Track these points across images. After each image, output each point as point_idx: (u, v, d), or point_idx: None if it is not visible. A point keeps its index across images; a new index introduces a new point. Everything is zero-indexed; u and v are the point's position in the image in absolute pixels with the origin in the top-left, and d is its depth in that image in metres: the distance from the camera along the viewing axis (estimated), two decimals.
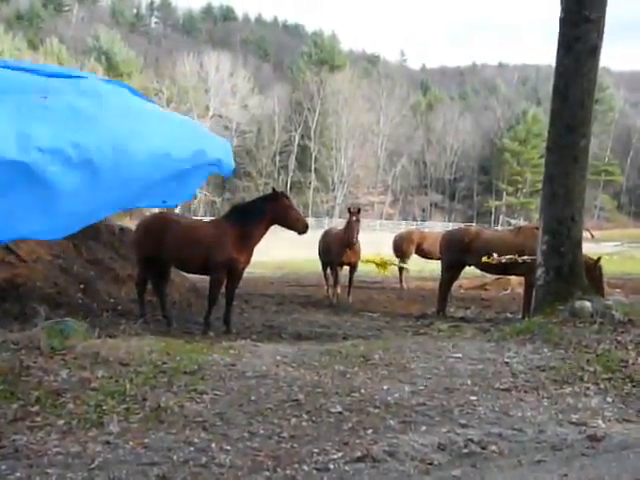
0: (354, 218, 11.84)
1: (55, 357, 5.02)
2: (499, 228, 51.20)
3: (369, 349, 6.20)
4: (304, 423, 4.21)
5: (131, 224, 9.10)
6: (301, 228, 8.35)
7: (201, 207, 66.91)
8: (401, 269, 15.48)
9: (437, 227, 54.60)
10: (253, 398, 4.61)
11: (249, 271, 9.75)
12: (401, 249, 16.06)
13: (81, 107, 4.77)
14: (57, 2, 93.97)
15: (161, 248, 8.29)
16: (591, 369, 5.65)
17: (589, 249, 9.57)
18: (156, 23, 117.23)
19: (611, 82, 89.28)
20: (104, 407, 4.18)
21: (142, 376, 4.80)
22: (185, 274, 10.40)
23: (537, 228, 8.69)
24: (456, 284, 12.03)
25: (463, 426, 4.27)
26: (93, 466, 3.39)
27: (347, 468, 3.55)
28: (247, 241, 8.21)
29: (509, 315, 10.65)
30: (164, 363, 5.16)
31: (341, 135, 73.93)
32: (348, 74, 78.36)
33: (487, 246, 10.04)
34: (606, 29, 7.99)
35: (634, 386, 5.27)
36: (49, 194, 4.61)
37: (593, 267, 9.09)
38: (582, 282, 7.97)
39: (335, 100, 74.52)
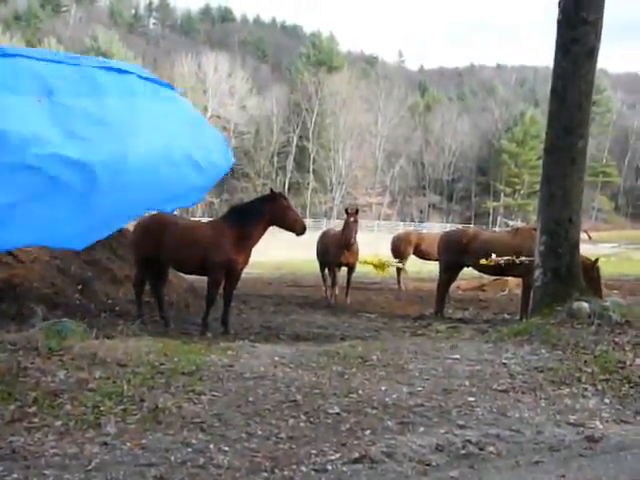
0: (352, 219, 11.84)
1: (52, 358, 5.02)
2: (497, 229, 51.23)
3: (367, 350, 6.20)
4: (302, 424, 4.21)
5: (129, 225, 9.08)
6: (299, 229, 8.35)
7: (199, 208, 66.88)
8: (399, 270, 15.48)
9: (435, 228, 54.67)
10: (251, 399, 4.60)
11: (247, 272, 9.75)
12: (399, 250, 16.05)
13: (120, 110, 4.88)
14: (55, 2, 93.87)
15: (159, 249, 8.29)
16: (589, 370, 5.66)
17: (587, 250, 9.59)
18: (154, 24, 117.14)
19: (609, 84, 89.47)
20: (101, 408, 4.18)
21: (140, 377, 4.79)
22: (183, 275, 10.40)
23: (535, 229, 8.69)
24: (454, 285, 12.03)
25: (461, 427, 4.28)
26: (90, 467, 3.38)
27: (345, 469, 3.55)
28: (245, 242, 8.21)
29: (507, 316, 10.65)
30: (162, 364, 5.15)
31: (339, 136, 73.94)
32: (346, 75, 78.40)
33: (485, 247, 10.04)
34: (604, 31, 8.01)
35: (631, 387, 5.27)
36: (86, 196, 4.69)
37: (591, 268, 9.11)
38: (580, 283, 7.98)
39: (333, 101, 74.55)
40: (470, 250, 10.27)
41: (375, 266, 15.11)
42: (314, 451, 3.75)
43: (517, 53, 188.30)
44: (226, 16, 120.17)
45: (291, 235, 8.52)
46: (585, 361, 5.90)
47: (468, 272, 11.74)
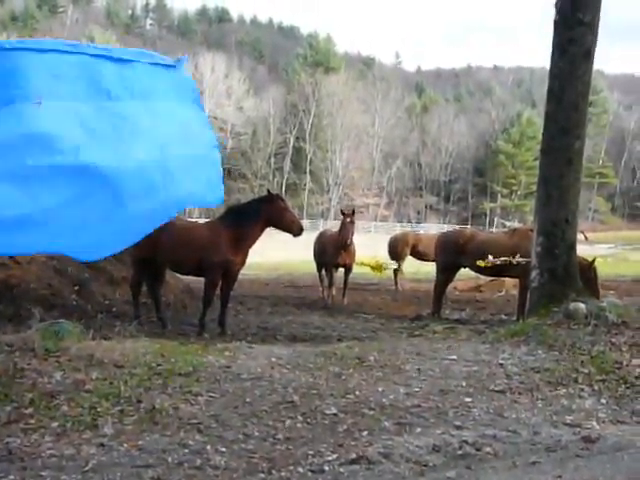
0: (348, 220, 11.85)
1: (49, 359, 5.01)
2: (494, 230, 51.30)
3: (364, 351, 6.19)
4: (299, 425, 4.20)
5: None
6: (296, 230, 8.36)
7: (196, 209, 66.80)
8: (396, 271, 15.50)
9: (432, 229, 54.72)
10: (248, 400, 4.60)
11: (244, 272, 9.75)
12: (396, 251, 16.07)
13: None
14: (52, 3, 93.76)
15: (156, 250, 8.27)
16: (585, 371, 5.67)
17: (583, 251, 9.59)
18: (151, 24, 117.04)
19: (605, 85, 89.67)
20: (98, 409, 4.17)
21: (137, 378, 4.78)
22: (180, 276, 10.39)
23: (531, 230, 8.71)
24: (451, 286, 12.04)
25: (458, 428, 4.28)
26: (87, 468, 3.38)
27: (342, 470, 3.55)
28: (242, 243, 8.21)
29: (504, 317, 10.66)
30: (159, 365, 5.14)
31: (336, 137, 73.97)
32: (343, 76, 78.45)
33: (482, 248, 10.05)
34: (600, 32, 8.03)
35: (628, 388, 5.28)
36: (119, 202, 4.71)
37: (588, 269, 9.12)
38: (576, 284, 7.99)
39: (330, 102, 74.59)
40: (467, 251, 10.28)
41: (372, 267, 15.13)
42: (311, 452, 3.75)
43: (514, 54, 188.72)
44: (223, 17, 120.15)
45: (288, 236, 8.52)
46: (582, 362, 5.90)
47: (465, 273, 11.75)
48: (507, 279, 13.25)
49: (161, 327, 8.40)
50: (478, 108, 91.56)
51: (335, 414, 4.41)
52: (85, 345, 5.40)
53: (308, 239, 12.00)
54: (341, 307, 11.78)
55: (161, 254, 8.35)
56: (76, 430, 3.86)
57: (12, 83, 4.58)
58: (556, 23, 8.09)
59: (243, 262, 8.45)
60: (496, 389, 5.20)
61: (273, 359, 5.69)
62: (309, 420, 4.29)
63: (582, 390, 5.24)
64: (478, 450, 3.90)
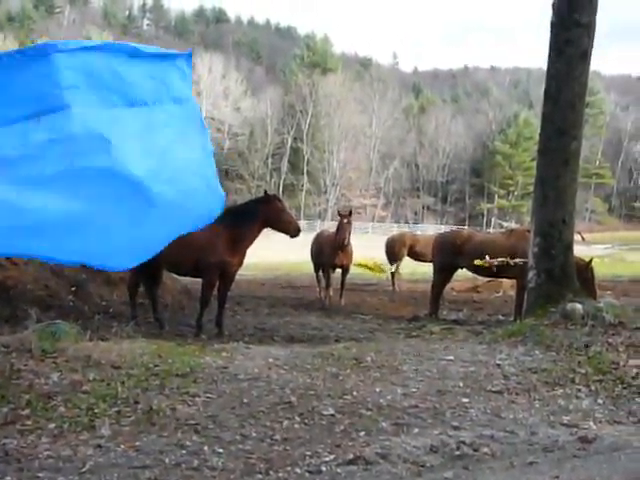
0: (345, 220, 11.86)
1: (46, 360, 5.00)
2: (491, 231, 51.37)
3: (361, 351, 6.20)
4: (296, 426, 4.20)
5: None
6: (293, 231, 8.36)
7: None
8: (393, 273, 15.52)
9: (429, 229, 54.77)
10: (245, 401, 4.60)
11: (241, 273, 9.74)
12: (393, 252, 16.07)
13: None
14: (48, 3, 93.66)
15: None
16: (582, 371, 5.68)
17: (580, 251, 9.62)
18: (148, 25, 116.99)
19: (602, 86, 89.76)
20: (95, 410, 4.16)
21: (134, 379, 4.78)
22: (177, 276, 10.38)
23: (529, 231, 8.72)
24: (448, 286, 12.05)
25: (455, 428, 4.28)
26: (84, 470, 3.37)
27: (339, 470, 3.55)
28: (239, 244, 8.21)
29: (501, 317, 10.68)
30: (156, 366, 5.14)
31: (333, 138, 73.97)
32: (340, 77, 78.43)
33: (479, 249, 10.06)
34: (597, 33, 8.05)
35: (625, 388, 5.29)
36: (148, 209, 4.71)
37: (585, 269, 9.13)
38: (573, 284, 8.01)
39: (327, 103, 74.58)
40: (464, 251, 10.29)
41: (370, 268, 15.14)
42: (308, 452, 3.75)
43: (511, 55, 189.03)
44: (220, 17, 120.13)
45: (285, 237, 8.52)
46: (579, 362, 5.91)
47: (462, 273, 11.76)
48: (504, 280, 13.26)
49: (158, 328, 8.39)
50: (475, 109, 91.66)
51: (332, 415, 4.41)
52: (82, 346, 5.39)
53: (305, 240, 12.00)
54: (338, 308, 11.79)
55: (158, 255, 8.32)
56: (73, 431, 3.85)
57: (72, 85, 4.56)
58: (553, 24, 8.12)
59: (240, 263, 8.45)
60: (493, 389, 5.20)
61: (270, 360, 5.69)
62: (306, 421, 4.29)
63: (579, 390, 5.25)
64: (475, 450, 3.90)
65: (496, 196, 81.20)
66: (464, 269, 10.76)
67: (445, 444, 3.96)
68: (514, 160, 79.14)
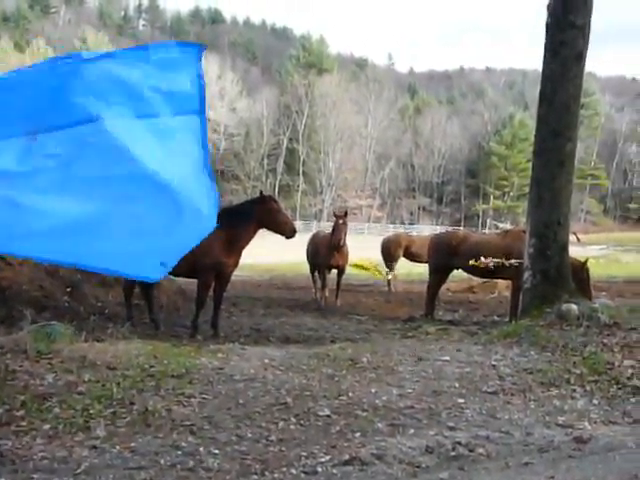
0: (341, 221, 11.86)
1: (41, 361, 4.99)
2: (486, 231, 51.44)
3: (357, 352, 6.20)
4: (292, 426, 4.20)
5: None
6: (288, 232, 8.36)
7: None
8: (389, 279, 15.53)
9: (425, 230, 54.76)
10: (241, 401, 4.60)
11: (237, 274, 9.73)
12: (389, 252, 16.07)
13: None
14: (44, 3, 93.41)
15: None
16: (577, 371, 5.69)
17: (575, 252, 9.64)
18: (144, 25, 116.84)
19: (597, 87, 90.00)
20: (91, 411, 4.16)
21: (129, 380, 4.77)
22: (172, 277, 10.36)
23: (524, 231, 8.74)
24: (444, 287, 12.06)
25: (451, 429, 4.29)
26: (79, 471, 3.36)
27: (335, 471, 3.55)
28: (235, 244, 8.20)
29: (496, 318, 10.69)
30: (151, 367, 5.13)
31: (329, 138, 74.00)
32: (336, 77, 78.43)
33: (474, 249, 10.08)
34: (592, 35, 8.08)
35: (620, 388, 5.31)
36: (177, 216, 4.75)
37: (580, 269, 9.15)
38: (569, 285, 8.03)
39: (323, 103, 74.60)
40: (460, 252, 10.30)
41: (365, 269, 15.13)
42: (304, 453, 3.75)
43: (506, 56, 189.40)
44: (216, 18, 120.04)
45: (281, 237, 8.52)
46: (574, 362, 5.93)
47: (458, 274, 11.77)
48: (500, 280, 13.27)
49: (154, 329, 8.38)
50: (470, 110, 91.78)
51: (328, 415, 4.41)
52: (77, 347, 5.39)
53: (301, 241, 12.00)
54: (334, 308, 11.78)
55: None
56: (68, 432, 3.85)
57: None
58: (548, 26, 8.14)
59: (236, 263, 8.44)
60: (489, 390, 5.21)
61: (266, 360, 5.69)
62: (302, 422, 4.29)
63: (574, 391, 5.26)
64: (471, 451, 3.91)
65: (491, 197, 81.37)
66: (460, 270, 10.77)
67: (441, 445, 3.97)
68: (509, 161, 79.31)
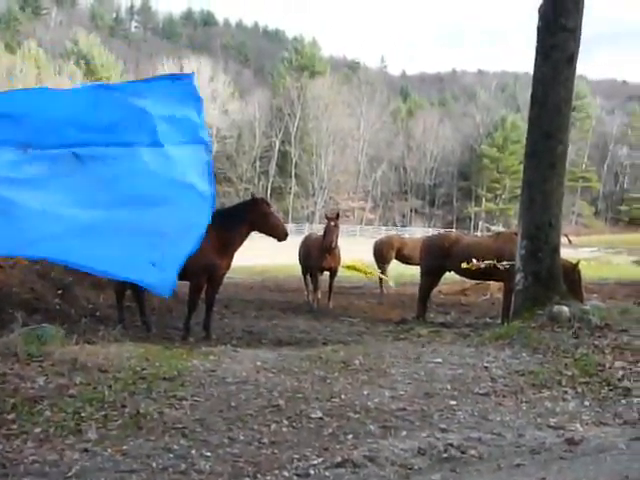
0: (332, 223, 11.87)
1: (32, 363, 4.97)
2: (478, 234, 51.57)
3: (349, 354, 6.20)
4: (284, 429, 4.20)
5: None
6: (280, 235, 8.36)
7: None
8: (380, 279, 15.52)
9: (417, 233, 54.86)
10: (233, 404, 4.59)
11: (229, 276, 9.71)
12: (381, 255, 16.07)
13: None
14: (35, 5, 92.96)
15: None
16: (569, 373, 5.71)
17: (567, 254, 9.67)
18: (136, 27, 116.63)
19: (588, 90, 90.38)
20: (82, 414, 4.14)
21: (121, 382, 4.76)
22: None
23: (516, 234, 8.77)
24: (436, 289, 12.08)
25: (443, 431, 4.29)
26: (70, 474, 3.35)
27: (327, 474, 3.55)
28: (227, 247, 8.18)
29: (488, 320, 10.71)
30: (143, 369, 5.12)
31: (321, 141, 74.02)
32: (328, 80, 78.44)
33: (466, 251, 10.10)
34: (583, 38, 8.12)
35: (611, 390, 5.32)
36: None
37: (572, 271, 9.18)
38: (560, 287, 8.06)
39: (315, 106, 74.61)
40: (452, 254, 10.32)
41: (358, 270, 15.10)
42: (296, 456, 3.75)
43: (498, 59, 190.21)
44: (208, 20, 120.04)
45: (273, 240, 8.51)
46: (565, 364, 5.95)
47: (450, 276, 11.79)
48: (492, 282, 13.30)
49: (145, 331, 8.36)
50: (463, 112, 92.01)
51: (320, 418, 4.41)
52: (68, 349, 5.37)
53: (293, 243, 11.99)
54: (326, 311, 11.77)
55: None
56: (59, 435, 3.83)
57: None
58: (539, 29, 8.18)
59: (228, 266, 8.43)
60: (481, 392, 5.23)
61: (258, 363, 5.69)
62: (294, 424, 4.28)
63: (566, 392, 5.28)
64: (463, 453, 3.91)
65: (483, 199, 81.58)
66: (452, 272, 10.79)
67: (433, 447, 3.97)
68: (501, 163, 79.51)
